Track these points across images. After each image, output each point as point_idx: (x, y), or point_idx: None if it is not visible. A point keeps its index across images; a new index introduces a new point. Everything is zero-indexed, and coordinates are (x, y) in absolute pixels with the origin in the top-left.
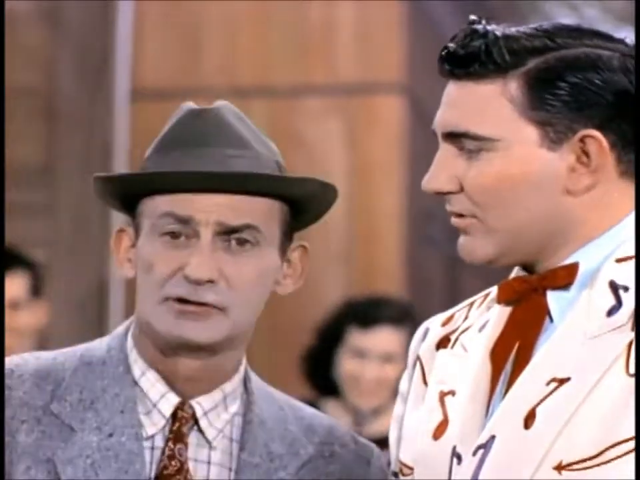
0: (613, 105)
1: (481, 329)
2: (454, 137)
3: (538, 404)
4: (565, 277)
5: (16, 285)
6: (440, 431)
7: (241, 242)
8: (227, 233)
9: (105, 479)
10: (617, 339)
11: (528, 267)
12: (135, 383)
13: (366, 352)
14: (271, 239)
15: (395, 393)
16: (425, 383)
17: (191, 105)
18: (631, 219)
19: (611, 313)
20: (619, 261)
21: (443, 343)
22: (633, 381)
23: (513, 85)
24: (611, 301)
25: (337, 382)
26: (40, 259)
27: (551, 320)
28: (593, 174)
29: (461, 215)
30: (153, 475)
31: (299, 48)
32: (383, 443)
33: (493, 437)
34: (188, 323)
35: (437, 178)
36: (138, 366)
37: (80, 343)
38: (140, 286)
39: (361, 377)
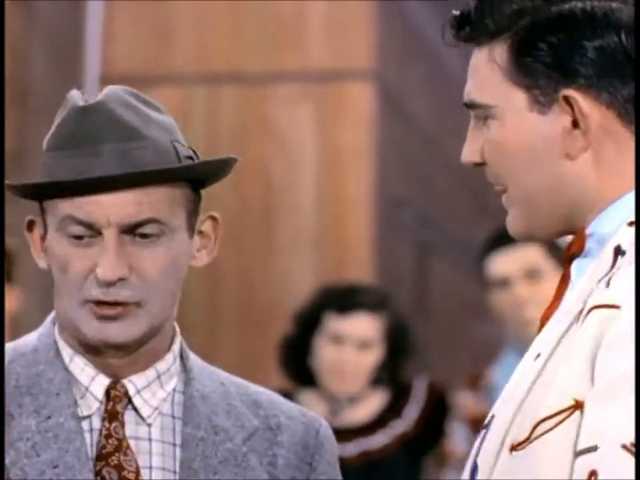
0: (600, 62)
1: None
2: (469, 107)
3: (520, 382)
4: (576, 244)
5: None
6: None
7: (146, 235)
8: (130, 229)
9: (46, 460)
10: (578, 307)
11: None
12: (66, 369)
13: (343, 337)
14: (177, 224)
15: (370, 381)
16: None
17: (74, 96)
18: None
19: (600, 280)
20: (630, 224)
21: None
22: (571, 350)
23: (499, 50)
24: (607, 267)
25: (314, 370)
26: (10, 246)
27: None
28: (586, 135)
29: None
30: (93, 456)
31: (270, 35)
32: (358, 431)
33: (492, 417)
34: (108, 325)
35: (465, 150)
36: (66, 352)
37: None
38: (58, 283)
39: (338, 363)
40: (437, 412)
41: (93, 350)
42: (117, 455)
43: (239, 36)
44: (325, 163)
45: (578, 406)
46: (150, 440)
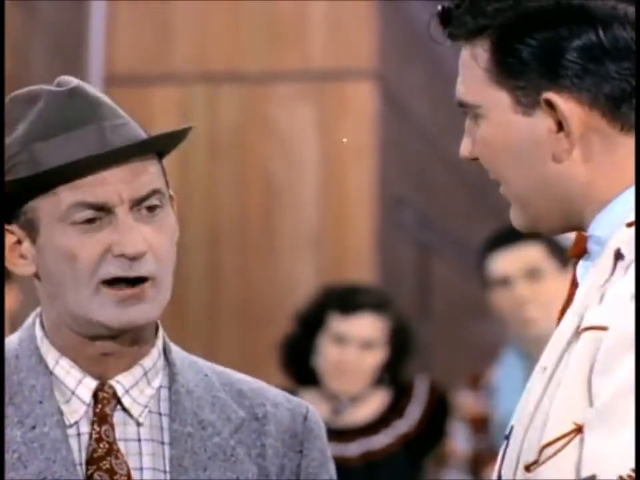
0: (579, 62)
1: None
2: (460, 105)
3: (536, 393)
4: (577, 247)
5: None
6: None
7: (151, 208)
8: (138, 202)
9: (34, 471)
10: (575, 321)
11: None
12: (50, 373)
13: (346, 337)
14: (167, 195)
15: (373, 381)
16: None
17: (45, 87)
18: None
19: (600, 288)
20: (629, 225)
21: None
22: (568, 372)
23: (480, 50)
24: (608, 273)
25: (316, 370)
26: None
27: None
28: (570, 137)
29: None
30: (83, 460)
31: (271, 34)
32: (360, 431)
33: (512, 428)
34: (130, 308)
35: (462, 145)
36: (51, 355)
37: None
38: (62, 279)
39: (340, 363)
40: (439, 412)
41: (91, 338)
42: (108, 458)
43: (239, 35)
44: (326, 162)
45: (579, 430)
46: (139, 440)
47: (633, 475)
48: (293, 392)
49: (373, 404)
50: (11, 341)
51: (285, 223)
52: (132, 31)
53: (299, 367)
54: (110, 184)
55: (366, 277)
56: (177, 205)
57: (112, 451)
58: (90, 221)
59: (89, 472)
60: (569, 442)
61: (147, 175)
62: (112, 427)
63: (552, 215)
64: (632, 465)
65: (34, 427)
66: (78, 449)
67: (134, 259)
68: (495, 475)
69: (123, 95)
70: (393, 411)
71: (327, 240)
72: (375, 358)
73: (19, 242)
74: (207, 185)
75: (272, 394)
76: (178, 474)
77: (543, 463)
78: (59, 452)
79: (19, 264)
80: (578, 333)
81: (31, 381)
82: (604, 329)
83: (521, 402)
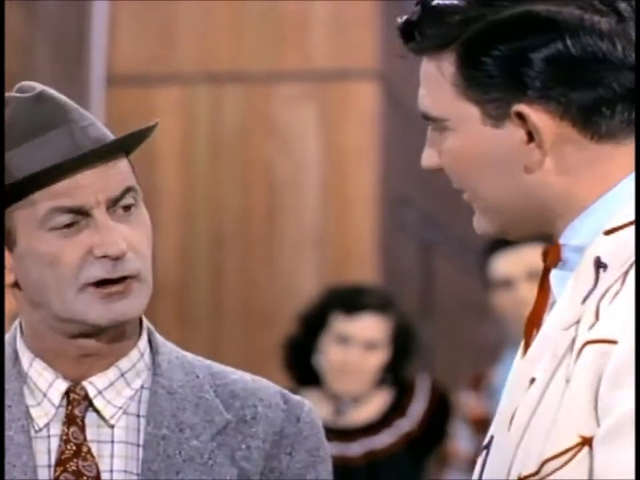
0: (547, 72)
1: None
2: (423, 117)
3: (518, 405)
4: (552, 256)
5: None
6: None
7: (127, 208)
8: (114, 202)
9: None
10: (569, 334)
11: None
12: (25, 376)
13: (350, 338)
14: (139, 192)
15: (375, 381)
16: None
17: (9, 94)
18: (624, 185)
19: (585, 299)
20: (607, 233)
21: None
22: (570, 385)
23: (446, 63)
24: (590, 284)
25: (318, 370)
26: None
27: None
28: (542, 147)
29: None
30: (53, 462)
31: (273, 34)
32: (362, 431)
33: (492, 438)
34: (115, 304)
35: (424, 155)
36: (26, 357)
37: None
38: (45, 285)
39: (343, 363)
40: (441, 411)
41: (70, 348)
42: (75, 460)
43: (242, 35)
44: (329, 162)
45: (585, 443)
46: (112, 442)
47: None
48: (295, 392)
49: (375, 404)
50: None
51: (288, 222)
52: (134, 31)
53: (301, 367)
54: (85, 187)
55: (368, 277)
56: (180, 205)
57: (80, 452)
58: (68, 225)
59: (56, 474)
60: (574, 455)
61: (119, 174)
62: (80, 428)
63: (524, 223)
64: None
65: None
66: (47, 451)
67: (117, 259)
68: None
69: (125, 95)
70: (395, 411)
71: (329, 240)
72: (378, 358)
73: None
74: (209, 184)
75: (268, 394)
76: (147, 477)
77: (547, 476)
78: (19, 457)
79: None
80: (574, 346)
81: (6, 384)
82: (612, 342)
83: (501, 412)
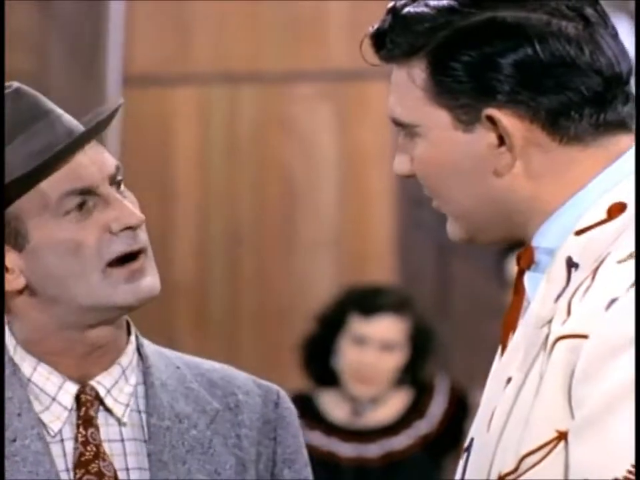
0: (517, 77)
1: None
2: (393, 123)
3: (496, 406)
4: (525, 258)
5: None
6: None
7: (119, 183)
8: (113, 180)
9: None
10: (543, 332)
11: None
12: (28, 382)
13: (367, 339)
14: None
15: (393, 382)
16: None
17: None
18: (590, 188)
19: (558, 297)
20: (578, 233)
21: None
22: (544, 381)
23: (417, 70)
24: (562, 283)
25: (336, 371)
26: None
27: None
28: (512, 151)
29: None
30: (70, 465)
31: (290, 34)
32: (380, 432)
33: (472, 440)
34: (140, 282)
35: (395, 161)
36: (27, 363)
37: None
38: (67, 273)
39: (360, 364)
40: (459, 412)
41: (80, 343)
42: (96, 462)
43: (258, 35)
44: (345, 162)
45: (561, 437)
46: (122, 440)
47: (630, 476)
48: (312, 393)
49: (393, 405)
50: None
51: (305, 222)
52: (151, 31)
53: (319, 367)
54: (88, 166)
55: (386, 277)
56: (197, 205)
57: (99, 453)
58: (80, 206)
59: (77, 476)
60: (552, 449)
61: (105, 153)
62: (97, 428)
63: (494, 228)
64: (626, 467)
65: (14, 440)
66: (62, 455)
67: (135, 229)
68: None
69: (141, 95)
70: (414, 412)
71: (346, 240)
72: (395, 359)
73: None
74: (226, 184)
75: (241, 381)
76: (157, 469)
77: (525, 472)
78: (41, 465)
79: (6, 280)
80: (547, 342)
81: (8, 392)
82: (583, 336)
83: (480, 414)
